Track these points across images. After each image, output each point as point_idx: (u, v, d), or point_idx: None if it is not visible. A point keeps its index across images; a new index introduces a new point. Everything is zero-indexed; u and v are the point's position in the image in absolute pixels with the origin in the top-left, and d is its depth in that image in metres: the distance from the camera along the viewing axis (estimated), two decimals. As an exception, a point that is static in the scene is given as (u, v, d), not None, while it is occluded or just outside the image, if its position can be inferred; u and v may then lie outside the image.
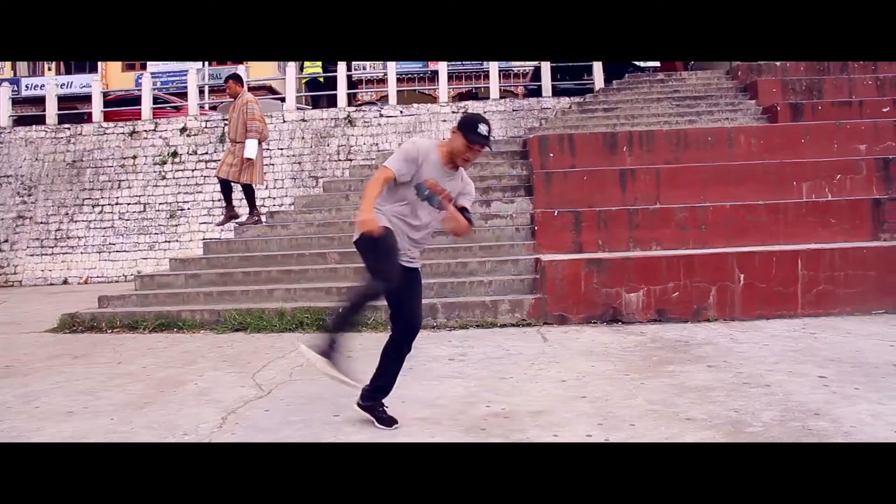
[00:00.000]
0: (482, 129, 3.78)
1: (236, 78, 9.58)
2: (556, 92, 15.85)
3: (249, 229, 9.50)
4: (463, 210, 3.97)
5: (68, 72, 27.06)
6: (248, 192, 9.52)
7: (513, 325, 7.12)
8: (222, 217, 9.79)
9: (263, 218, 9.96)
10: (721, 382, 4.69)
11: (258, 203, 10.54)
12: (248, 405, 4.60)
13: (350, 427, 4.04)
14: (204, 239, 14.76)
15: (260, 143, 9.25)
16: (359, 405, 4.14)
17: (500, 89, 19.55)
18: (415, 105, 15.80)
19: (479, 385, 4.89)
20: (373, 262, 3.94)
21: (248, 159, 9.08)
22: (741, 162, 8.74)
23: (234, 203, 9.61)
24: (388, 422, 4.02)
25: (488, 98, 15.89)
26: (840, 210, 7.77)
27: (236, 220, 9.70)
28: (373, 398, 4.11)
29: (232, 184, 9.35)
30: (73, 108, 19.61)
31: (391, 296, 4.00)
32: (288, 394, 4.87)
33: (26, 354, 6.72)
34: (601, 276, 7.04)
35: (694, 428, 3.77)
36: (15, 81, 26.26)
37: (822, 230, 7.69)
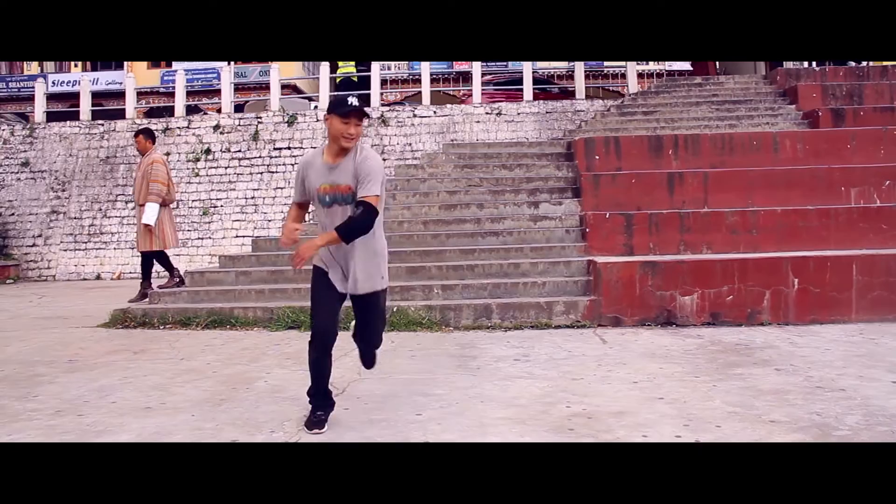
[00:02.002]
0: (350, 100, 3.74)
1: (147, 133, 9.12)
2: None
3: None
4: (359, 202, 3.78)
5: (94, 69, 27.24)
6: (160, 258, 8.98)
7: (567, 327, 7.16)
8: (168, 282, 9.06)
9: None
10: (794, 386, 4.71)
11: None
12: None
13: (436, 426, 4.07)
14: (237, 236, 14.92)
15: (166, 205, 8.82)
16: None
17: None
18: (448, 106, 15.85)
19: (552, 385, 4.93)
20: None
21: (146, 225, 8.63)
22: (787, 167, 8.75)
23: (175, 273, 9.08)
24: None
25: (520, 100, 15.92)
26: (892, 216, 7.77)
27: (163, 287, 8.87)
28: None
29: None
30: (100, 105, 19.71)
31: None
32: (363, 392, 4.93)
33: (84, 349, 6.80)
34: (656, 278, 7.07)
35: (781, 430, 3.79)
36: (42, 77, 26.47)
37: (874, 236, 7.69)
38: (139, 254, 9.12)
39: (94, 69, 27.21)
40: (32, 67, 27.92)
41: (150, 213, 8.64)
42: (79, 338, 7.48)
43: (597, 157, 9.37)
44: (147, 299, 8.46)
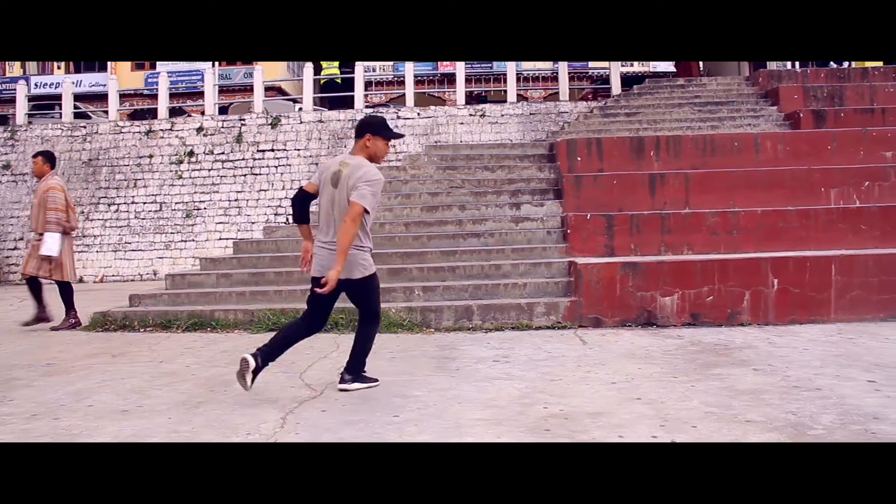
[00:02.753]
0: (392, 125, 4.36)
1: (46, 157, 8.41)
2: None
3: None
4: None
5: (77, 70, 27.06)
6: (65, 290, 8.26)
7: (548, 328, 7.16)
8: (31, 317, 8.30)
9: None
10: (771, 386, 4.72)
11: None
12: (304, 405, 4.63)
13: (412, 427, 4.06)
14: (220, 238, 14.85)
15: (67, 234, 8.15)
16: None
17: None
18: (431, 107, 15.85)
19: (530, 386, 4.93)
20: (377, 301, 4.90)
21: (46, 256, 7.94)
22: (769, 168, 8.79)
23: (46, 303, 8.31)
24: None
25: (502, 101, 15.94)
26: (871, 216, 7.82)
27: (50, 325, 8.23)
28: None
29: (41, 280, 8.22)
30: (83, 107, 19.60)
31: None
32: (340, 394, 4.90)
33: (63, 352, 6.75)
34: (636, 279, 7.09)
35: (756, 430, 3.80)
36: (25, 79, 26.27)
37: (853, 236, 7.74)
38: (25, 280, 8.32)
39: (77, 70, 27.04)
40: (14, 69, 27.69)
41: (51, 243, 7.96)
42: (58, 341, 7.42)
43: (579, 159, 9.39)
44: (56, 322, 8.17)
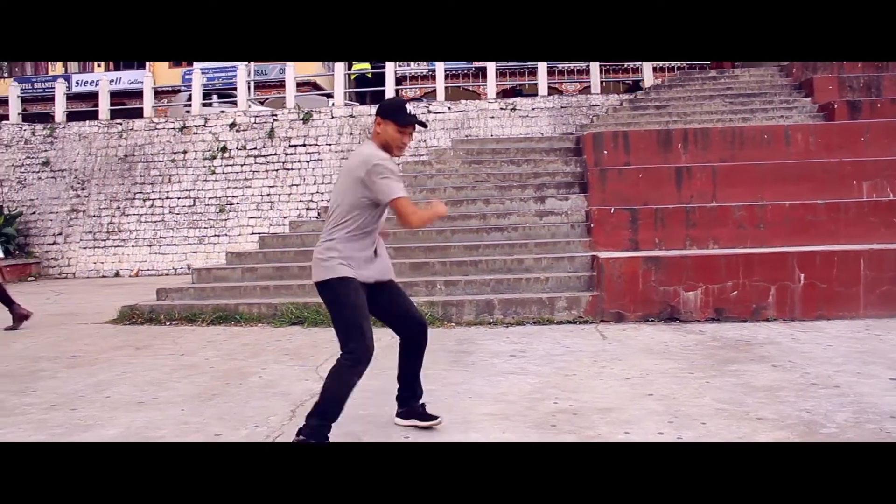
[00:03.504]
0: (410, 107, 3.60)
1: None
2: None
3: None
4: None
5: (117, 68, 27.57)
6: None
7: (569, 323, 7.11)
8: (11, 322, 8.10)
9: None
10: (788, 383, 4.63)
11: None
12: (315, 398, 4.65)
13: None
14: (253, 233, 15.01)
15: None
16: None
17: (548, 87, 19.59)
18: (462, 101, 15.82)
19: (543, 381, 4.90)
20: (344, 322, 3.62)
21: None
22: (799, 160, 8.60)
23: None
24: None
25: (535, 95, 15.85)
26: (904, 209, 7.62)
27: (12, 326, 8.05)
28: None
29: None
30: (122, 104, 19.94)
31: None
32: (355, 388, 4.91)
33: (89, 345, 6.89)
34: (659, 273, 6.99)
35: (766, 428, 3.73)
36: (66, 78, 26.83)
37: (885, 230, 7.54)
38: None
39: (116, 68, 27.54)
40: (57, 68, 28.31)
41: None
42: (85, 334, 7.57)
43: (605, 152, 9.28)
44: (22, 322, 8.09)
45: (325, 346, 6.41)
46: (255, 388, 5.00)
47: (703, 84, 12.02)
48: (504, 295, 7.34)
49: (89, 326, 8.06)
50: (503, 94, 23.10)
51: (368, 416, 4.20)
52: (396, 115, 3.55)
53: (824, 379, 4.70)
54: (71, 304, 10.67)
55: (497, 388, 4.76)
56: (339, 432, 3.95)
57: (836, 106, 10.11)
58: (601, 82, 16.29)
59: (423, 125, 3.76)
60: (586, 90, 17.35)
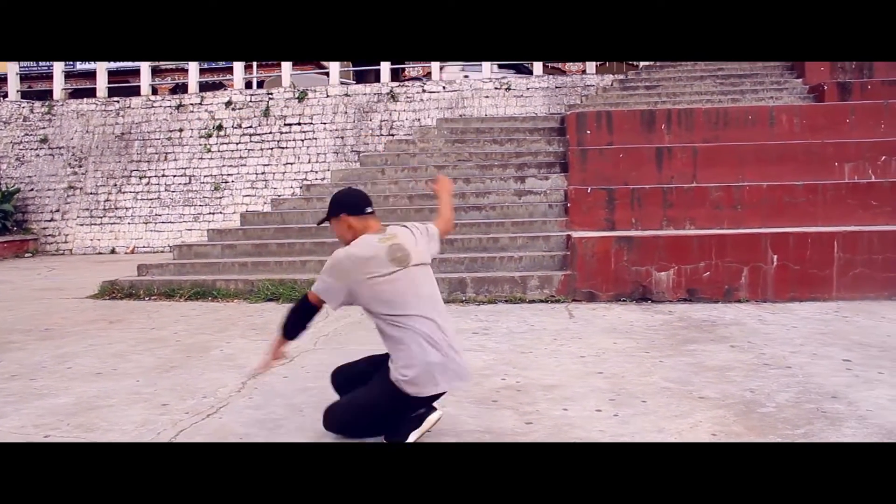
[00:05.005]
0: (357, 196, 3.34)
1: None
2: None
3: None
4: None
5: (121, 46, 27.52)
6: None
7: (541, 301, 7.11)
8: None
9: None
10: (741, 363, 4.64)
11: None
12: (270, 371, 4.69)
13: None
14: (247, 211, 15.04)
15: None
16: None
17: (549, 66, 19.46)
18: (457, 80, 15.74)
19: (497, 358, 4.92)
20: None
21: None
22: (781, 142, 8.54)
23: None
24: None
25: (532, 74, 15.76)
26: (882, 192, 7.55)
27: None
28: None
29: None
30: (126, 81, 19.92)
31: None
32: (309, 362, 4.96)
33: (65, 318, 6.95)
34: (631, 253, 6.98)
35: (705, 406, 3.75)
36: (70, 55, 26.79)
37: (863, 212, 7.49)
38: None
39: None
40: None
41: None
42: (64, 308, 7.64)
43: (588, 132, 9.24)
44: None
45: (294, 322, 6.44)
46: (214, 361, 5.05)
47: (695, 64, 11.91)
48: (477, 273, 7.35)
49: (70, 301, 8.13)
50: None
51: (314, 389, 4.24)
52: (353, 210, 3.31)
53: (778, 360, 4.70)
54: (60, 279, 10.75)
55: (450, 364, 4.78)
56: (283, 403, 4.01)
57: (826, 87, 10.01)
58: (605, 63, 16.14)
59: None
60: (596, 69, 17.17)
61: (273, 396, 4.14)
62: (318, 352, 5.26)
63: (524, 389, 4.16)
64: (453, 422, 3.64)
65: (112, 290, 8.12)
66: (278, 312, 7.14)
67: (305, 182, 14.85)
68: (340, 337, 5.76)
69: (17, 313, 7.40)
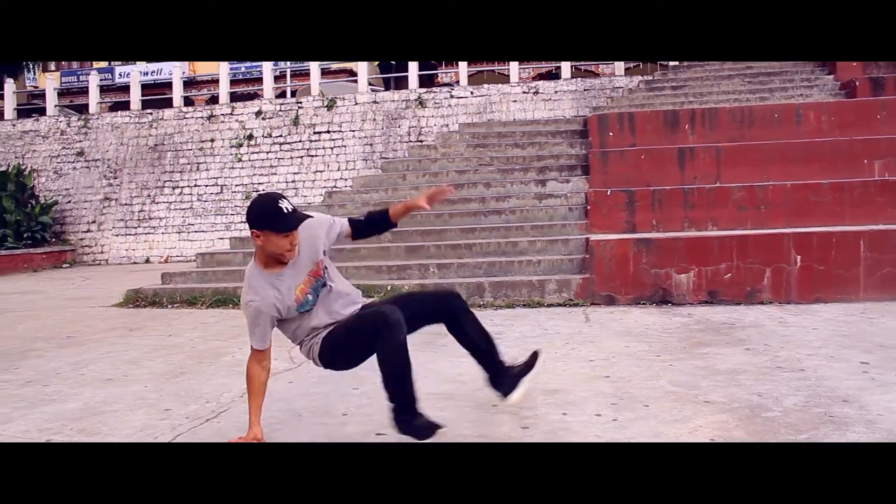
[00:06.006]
0: (284, 206, 2.99)
1: None
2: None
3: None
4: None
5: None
6: None
7: (559, 305, 7.04)
8: None
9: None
10: (753, 366, 4.51)
11: None
12: (276, 377, 4.68)
13: (365, 400, 4.09)
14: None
15: None
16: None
17: (582, 69, 19.35)
18: (485, 86, 15.72)
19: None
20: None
21: None
22: (808, 140, 8.34)
23: None
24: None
25: (581, 77, 15.69)
26: (914, 189, 7.33)
27: None
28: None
29: None
30: (162, 94, 20.30)
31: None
32: (316, 368, 4.91)
33: (87, 327, 7.07)
34: (650, 256, 6.87)
35: (708, 411, 3.65)
36: (109, 70, 27.43)
37: (893, 210, 7.26)
38: None
39: (158, 60, 28.04)
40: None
41: None
42: (88, 316, 7.77)
43: (610, 134, 9.13)
44: None
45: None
46: (223, 367, 5.08)
47: (723, 63, 11.72)
48: (495, 278, 7.30)
49: (95, 309, 8.27)
50: (539, 77, 22.86)
51: (317, 395, 4.24)
52: (273, 223, 2.99)
53: (792, 363, 4.57)
54: (92, 289, 10.95)
55: (456, 368, 4.74)
56: (284, 407, 4.01)
57: (857, 83, 9.78)
58: (639, 64, 15.97)
59: (307, 217, 3.13)
60: (627, 70, 16.98)
61: (274, 401, 4.12)
62: (328, 357, 5.25)
63: (526, 393, 4.09)
64: (450, 427, 3.60)
65: (136, 299, 8.24)
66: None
67: (335, 189, 14.95)
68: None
69: (44, 321, 7.55)
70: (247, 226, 3.13)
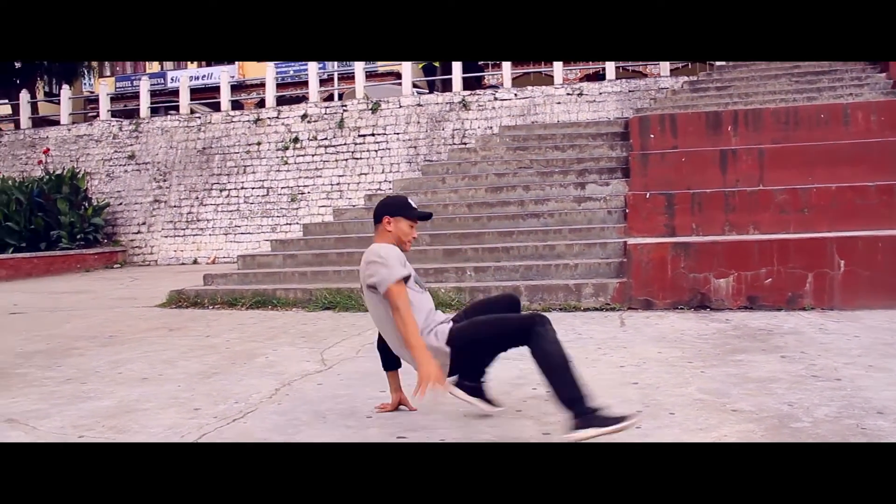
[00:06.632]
0: (413, 202, 3.71)
1: None
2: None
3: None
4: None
5: (209, 65, 28.62)
6: None
7: (596, 310, 6.97)
8: None
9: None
10: (788, 374, 4.41)
11: None
12: (305, 378, 4.76)
13: (388, 401, 4.10)
14: (322, 221, 15.35)
15: None
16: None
17: (629, 70, 19.17)
18: (529, 88, 15.66)
19: (534, 368, 4.79)
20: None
21: None
22: (855, 140, 8.11)
23: None
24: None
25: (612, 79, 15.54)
26: (967, 192, 7.07)
27: None
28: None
29: None
30: (213, 98, 20.71)
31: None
32: (347, 369, 5.00)
33: (130, 326, 7.24)
34: (689, 260, 6.76)
35: (735, 420, 3.57)
36: (161, 75, 28.13)
37: (944, 214, 7.03)
38: None
39: (208, 65, 28.60)
40: (154, 66, 29.68)
41: None
42: (131, 316, 7.95)
43: (652, 136, 9.01)
44: None
45: (343, 329, 6.54)
46: (256, 368, 5.15)
47: (769, 63, 11.47)
48: (531, 281, 7.26)
49: (139, 309, 8.46)
50: (585, 78, 22.70)
51: (344, 397, 4.27)
52: (407, 211, 3.63)
53: (828, 371, 4.44)
54: (139, 289, 11.21)
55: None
56: (309, 409, 4.05)
57: (910, 82, 9.49)
58: (687, 64, 15.76)
59: (428, 217, 3.88)
60: (674, 72, 16.79)
61: (301, 403, 4.17)
62: (359, 360, 5.30)
63: (552, 399, 4.06)
64: (471, 430, 3.61)
65: (178, 299, 8.41)
66: (332, 321, 7.28)
67: (380, 191, 15.05)
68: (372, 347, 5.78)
69: (90, 321, 7.75)
70: (372, 218, 3.76)
